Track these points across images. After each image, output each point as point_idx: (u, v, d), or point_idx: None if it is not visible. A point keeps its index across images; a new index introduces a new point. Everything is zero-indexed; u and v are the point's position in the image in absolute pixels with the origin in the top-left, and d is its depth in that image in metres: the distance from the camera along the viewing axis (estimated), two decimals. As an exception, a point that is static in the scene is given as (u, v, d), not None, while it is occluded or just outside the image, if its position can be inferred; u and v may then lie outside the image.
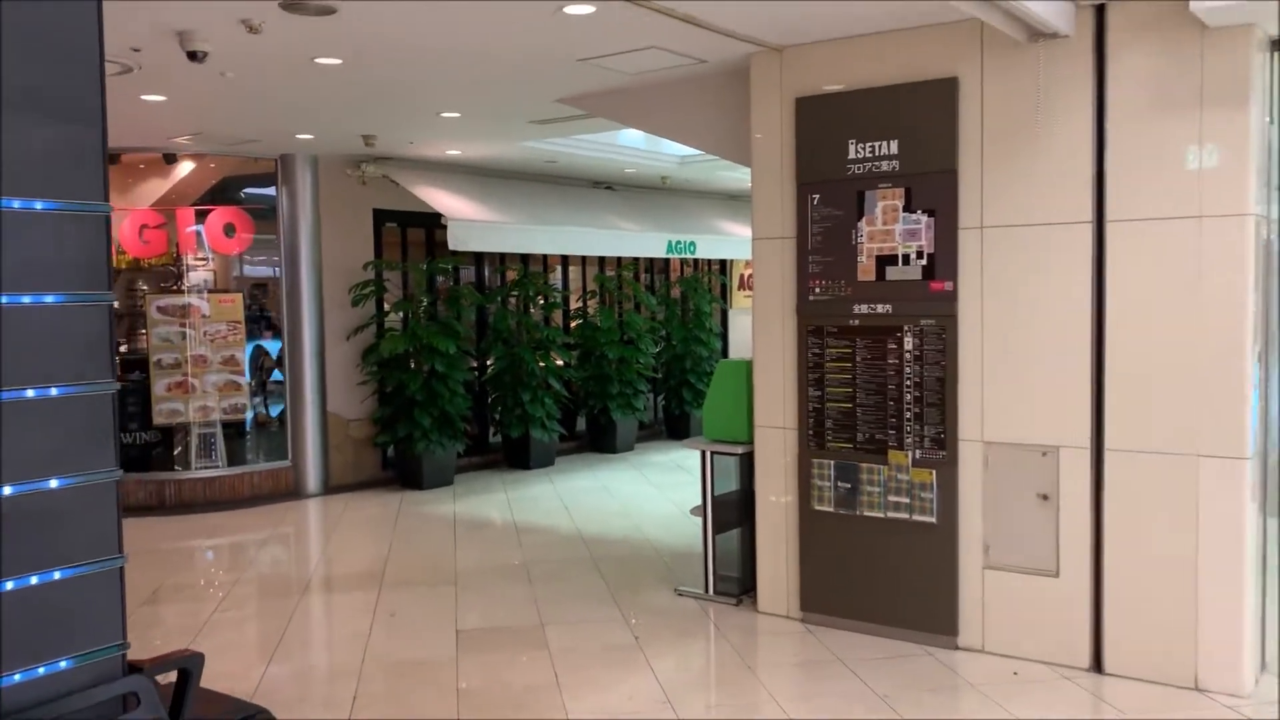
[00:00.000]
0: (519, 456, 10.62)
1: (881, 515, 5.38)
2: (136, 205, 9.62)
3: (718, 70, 6.04)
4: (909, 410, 5.31)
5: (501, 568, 6.91)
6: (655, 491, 9.47)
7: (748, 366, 5.96)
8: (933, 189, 5.20)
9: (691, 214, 12.41)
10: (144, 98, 6.60)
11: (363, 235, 9.90)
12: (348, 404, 9.79)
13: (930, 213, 5.21)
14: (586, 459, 11.23)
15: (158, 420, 9.14)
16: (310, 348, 9.48)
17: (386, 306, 9.93)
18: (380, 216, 10.05)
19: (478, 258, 10.99)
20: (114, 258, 9.55)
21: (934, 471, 5.24)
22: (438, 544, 7.58)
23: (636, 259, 12.51)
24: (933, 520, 5.24)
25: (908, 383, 5.31)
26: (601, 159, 9.93)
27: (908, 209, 5.27)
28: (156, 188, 9.89)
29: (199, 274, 9.61)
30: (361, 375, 9.71)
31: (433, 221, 9.91)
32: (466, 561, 7.07)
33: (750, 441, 5.93)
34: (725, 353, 13.98)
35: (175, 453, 9.36)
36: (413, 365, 9.60)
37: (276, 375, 9.72)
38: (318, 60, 5.70)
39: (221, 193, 10.07)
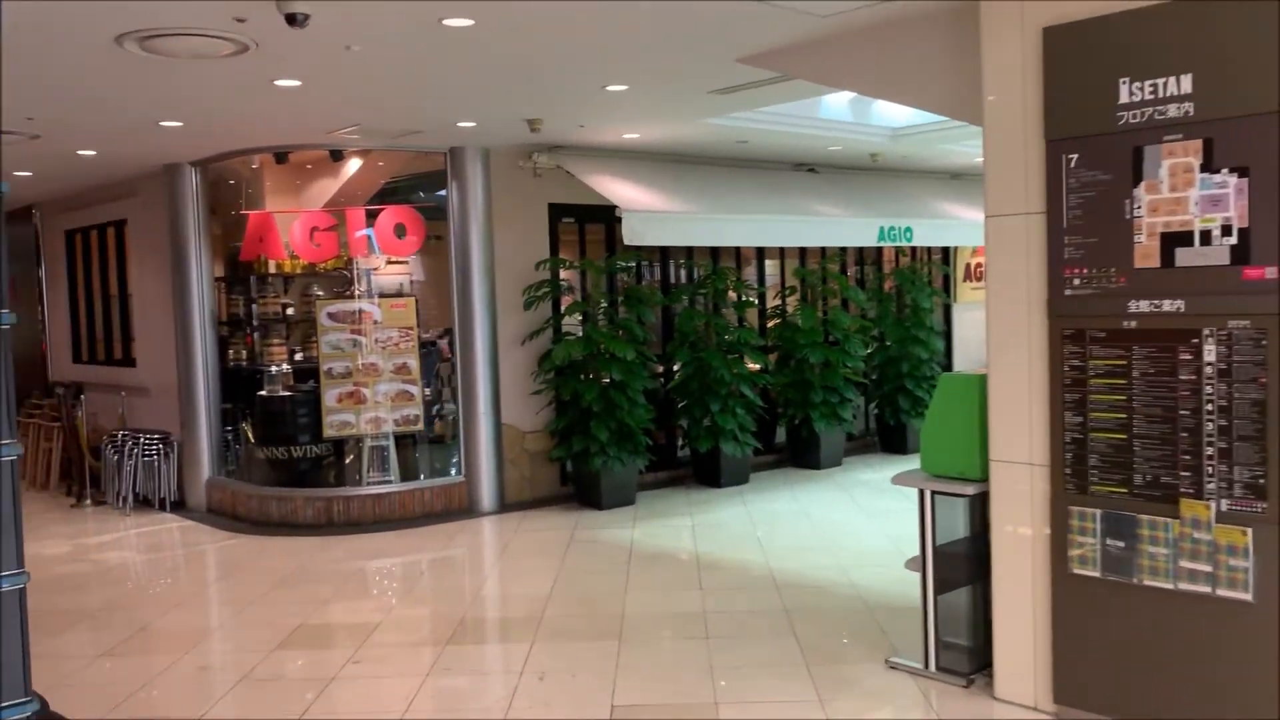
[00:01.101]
0: (708, 473, 9.54)
1: (1170, 586, 3.95)
2: (306, 207, 9.20)
3: (936, 4, 4.73)
4: (1211, 445, 3.86)
5: (675, 617, 5.85)
6: (865, 519, 8.16)
7: (980, 382, 4.63)
8: (1246, 139, 3.73)
9: (907, 196, 10.93)
10: (277, 83, 5.96)
11: (537, 232, 9.09)
12: (523, 415, 9.02)
13: (1241, 172, 3.75)
14: (785, 476, 10.02)
15: (328, 433, 8.66)
16: (483, 354, 8.76)
17: (564, 308, 9.08)
18: (556, 211, 9.22)
19: (663, 254, 9.99)
20: (286, 261, 9.23)
21: (1249, 531, 3.77)
22: (607, 581, 6.61)
23: (843, 249, 11.16)
24: (1248, 598, 3.77)
25: (1209, 407, 3.86)
26: (800, 135, 8.70)
27: (1207, 168, 3.82)
28: (325, 188, 9.45)
29: (373, 277, 9.10)
30: (537, 384, 8.91)
31: (614, 215, 8.99)
32: (637, 606, 6.05)
33: (984, 479, 4.60)
34: (949, 354, 12.39)
35: (345, 467, 8.87)
36: (587, 374, 8.70)
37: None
38: (446, 22, 4.82)
39: (392, 192, 9.54)
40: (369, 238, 8.91)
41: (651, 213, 8.24)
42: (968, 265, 12.75)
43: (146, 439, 9.27)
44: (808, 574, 6.61)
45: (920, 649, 4.89)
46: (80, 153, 8.23)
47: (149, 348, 9.96)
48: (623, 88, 6.46)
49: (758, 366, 9.81)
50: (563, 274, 9.06)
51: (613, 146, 8.75)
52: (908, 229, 10.31)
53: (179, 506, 9.28)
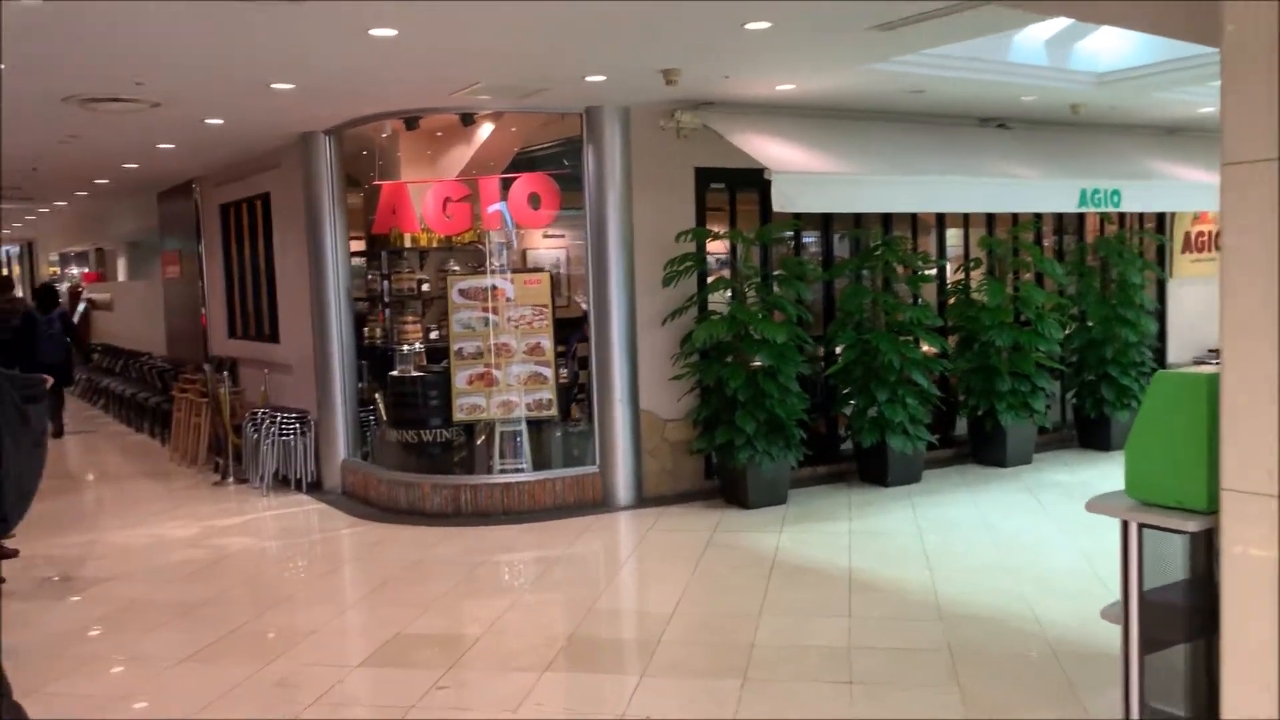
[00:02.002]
0: (874, 469, 8.49)
1: None
2: (439, 176, 8.68)
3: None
4: None
5: (815, 651, 4.94)
6: (1057, 533, 6.96)
7: (1208, 383, 3.49)
8: None
9: (1114, 154, 9.44)
10: (372, 33, 5.34)
11: (682, 200, 8.25)
12: (664, 401, 8.23)
13: None
14: (964, 474, 8.83)
15: (458, 416, 8.14)
16: (620, 335, 8.01)
17: (708, 284, 8.20)
18: (704, 177, 8.34)
19: (825, 223, 8.94)
20: (420, 234, 8.75)
21: None
22: (741, 599, 5.75)
23: (1038, 216, 9.78)
24: None
25: None
26: (988, 83, 7.48)
27: None
28: (458, 157, 8.90)
29: (528, 251, 8.53)
30: (678, 368, 8.09)
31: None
32: (770, 633, 5.17)
33: (1211, 511, 3.47)
34: (1162, 338, 10.79)
35: (475, 453, 8.33)
36: (733, 358, 7.81)
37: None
38: (532, -58, 4.04)
39: (528, 161, 8.90)
40: (502, 210, 8.30)
41: (806, 175, 7.24)
42: (1187, 234, 11.06)
43: (284, 418, 9.03)
44: (981, 602, 5.55)
45: (1120, 715, 3.81)
46: (209, 121, 7.97)
47: (291, 324, 9.75)
48: (764, 25, 5.51)
49: (934, 350, 8.65)
50: (709, 247, 8.20)
51: (765, 101, 7.79)
52: (1114, 192, 8.85)
53: (315, 488, 9.02)
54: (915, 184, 7.67)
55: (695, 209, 8.29)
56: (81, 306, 19.19)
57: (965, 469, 9.03)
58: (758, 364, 7.73)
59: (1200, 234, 11.19)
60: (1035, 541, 6.75)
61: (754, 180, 8.23)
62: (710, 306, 8.21)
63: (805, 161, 7.42)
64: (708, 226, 8.24)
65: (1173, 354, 10.90)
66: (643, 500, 8.09)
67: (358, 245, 9.32)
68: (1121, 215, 10.34)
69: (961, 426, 9.45)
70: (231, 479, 9.56)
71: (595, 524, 7.60)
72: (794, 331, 7.80)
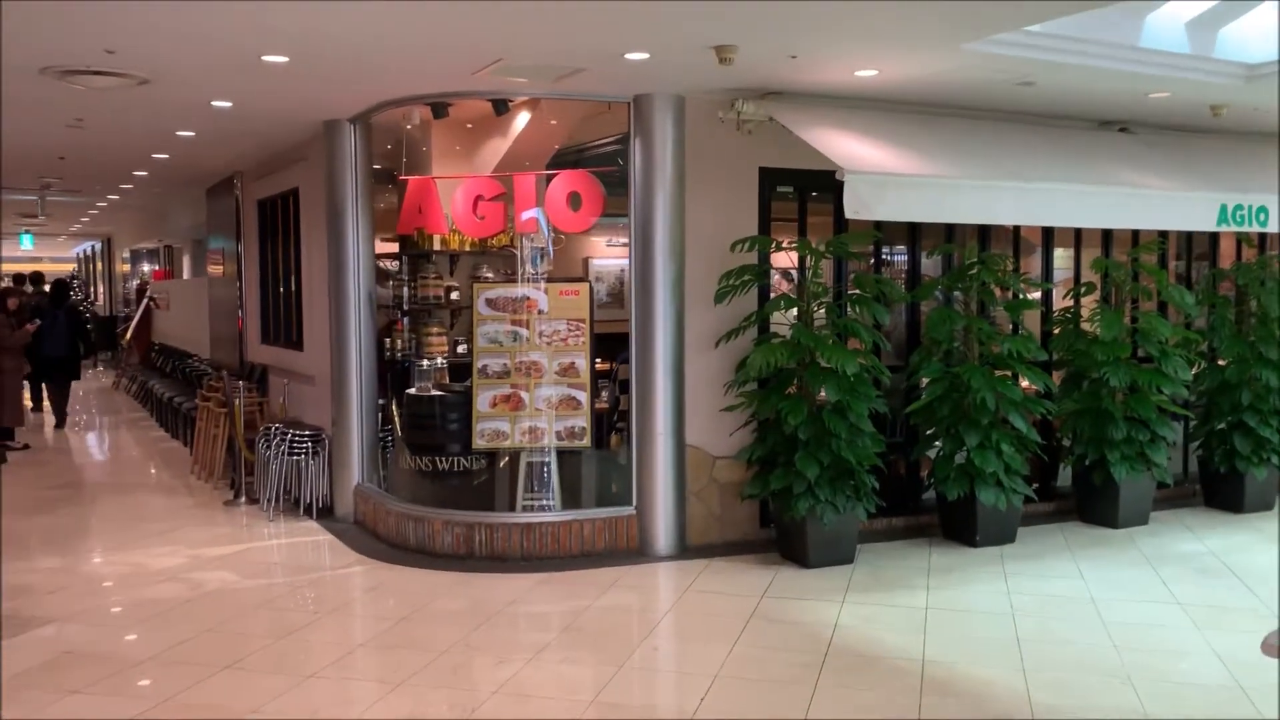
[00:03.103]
0: (959, 525, 7.24)
1: None
2: (470, 172, 7.73)
3: None
4: None
5: (869, 787, 3.78)
6: (1185, 623, 5.64)
7: None
8: None
9: (1262, 163, 8.02)
10: (348, -15, 4.39)
11: (743, 204, 7.15)
12: (714, 436, 7.12)
13: None
14: (1067, 535, 7.51)
15: (478, 443, 7.15)
16: (665, 358, 6.93)
17: (770, 303, 7.06)
18: (770, 179, 7.23)
19: (911, 238, 7.73)
20: (448, 235, 7.78)
21: None
22: (783, 696, 4.61)
23: (1163, 235, 8.41)
24: None
25: None
26: (1111, 73, 6.24)
27: None
28: (492, 151, 7.95)
29: (541, 258, 7.49)
30: (732, 397, 6.97)
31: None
32: (814, 754, 4.03)
33: None
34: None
35: (496, 486, 7.33)
36: (795, 389, 6.67)
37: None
38: None
39: (572, 158, 7.91)
40: (537, 218, 7.30)
41: (887, 176, 6.07)
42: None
43: (296, 435, 8.17)
44: (1087, 716, 4.32)
45: None
46: (215, 104, 7.15)
47: (315, 331, 8.90)
48: (834, -18, 4.41)
49: (1036, 389, 7.36)
50: (772, 259, 7.08)
51: (842, 91, 6.65)
52: (1261, 209, 7.47)
53: (326, 514, 8.13)
54: (1020, 191, 6.43)
55: (758, 215, 7.18)
56: (144, 304, 18.86)
57: (1068, 528, 7.70)
58: (824, 397, 6.57)
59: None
60: (1159, 636, 5.45)
61: (829, 184, 7.08)
62: (771, 328, 7.08)
63: (886, 161, 6.25)
64: (772, 236, 7.12)
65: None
66: (685, 550, 6.99)
67: (388, 248, 8.43)
68: (1263, 237, 8.90)
69: (1064, 477, 8.13)
70: (244, 498, 8.74)
71: (626, 577, 6.51)
72: (869, 361, 6.63)
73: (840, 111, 6.77)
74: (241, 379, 10.58)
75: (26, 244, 24.24)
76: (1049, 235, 8.20)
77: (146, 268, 22.79)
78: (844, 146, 6.22)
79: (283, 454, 8.15)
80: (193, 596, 6.17)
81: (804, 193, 7.37)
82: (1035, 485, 7.63)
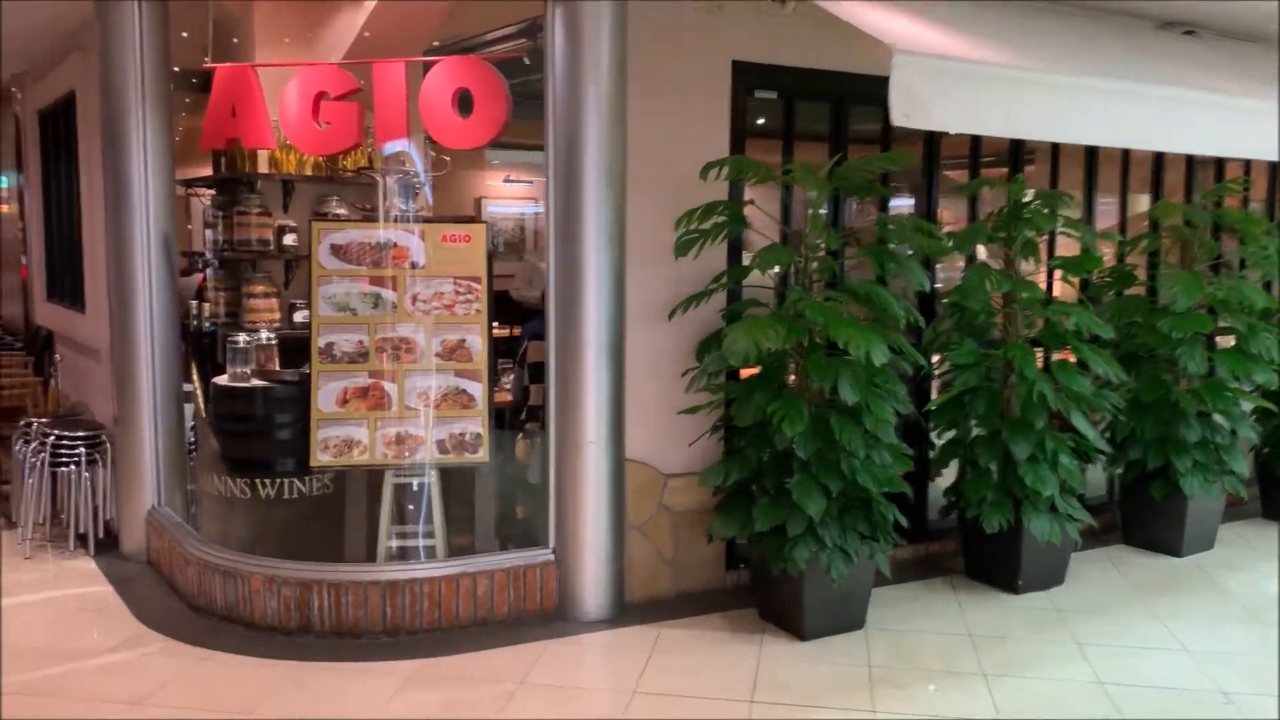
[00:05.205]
0: (991, 561, 5.31)
1: None
2: (306, 58, 5.34)
3: None
4: None
5: None
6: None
7: None
8: None
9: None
10: None
11: (708, 115, 4.99)
12: (665, 444, 5.01)
13: None
14: (1120, 566, 5.69)
15: (319, 458, 4.86)
16: (598, 333, 4.75)
17: (747, 259, 4.92)
18: (747, 78, 5.06)
19: (927, 166, 5.68)
20: (277, 153, 5.28)
21: None
22: None
23: (1247, 165, 6.56)
24: None
25: None
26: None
27: None
28: (344, 30, 5.58)
29: (411, 191, 5.21)
30: (693, 390, 4.83)
31: (862, 88, 4.89)
32: None
33: None
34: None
35: (347, 523, 5.06)
36: (787, 383, 4.61)
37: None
38: None
39: (450, 50, 5.62)
40: (408, 151, 5.06)
41: (954, 63, 3.97)
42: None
43: (61, 437, 5.73)
44: None
45: None
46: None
47: (97, 287, 6.41)
48: None
49: (1100, 373, 5.38)
50: (749, 192, 4.97)
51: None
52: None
53: (110, 547, 5.75)
54: (1132, 97, 4.40)
55: (730, 130, 5.03)
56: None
57: (1116, 556, 5.88)
58: (826, 396, 4.51)
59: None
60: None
61: (830, 88, 5.05)
62: (745, 293, 4.97)
63: (951, 46, 4.15)
64: (748, 156, 4.96)
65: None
66: (623, 611, 4.88)
67: (195, 173, 6.00)
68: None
69: (1097, 483, 6.31)
70: (1, 521, 6.27)
71: (540, 663, 4.37)
72: (897, 344, 4.58)
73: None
74: (23, 347, 8.03)
75: None
76: (1090, 173, 6.27)
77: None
78: (890, 23, 4.08)
79: (42, 463, 5.71)
80: None
81: (791, 101, 5.24)
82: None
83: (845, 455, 4.46)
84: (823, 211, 4.76)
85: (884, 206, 5.52)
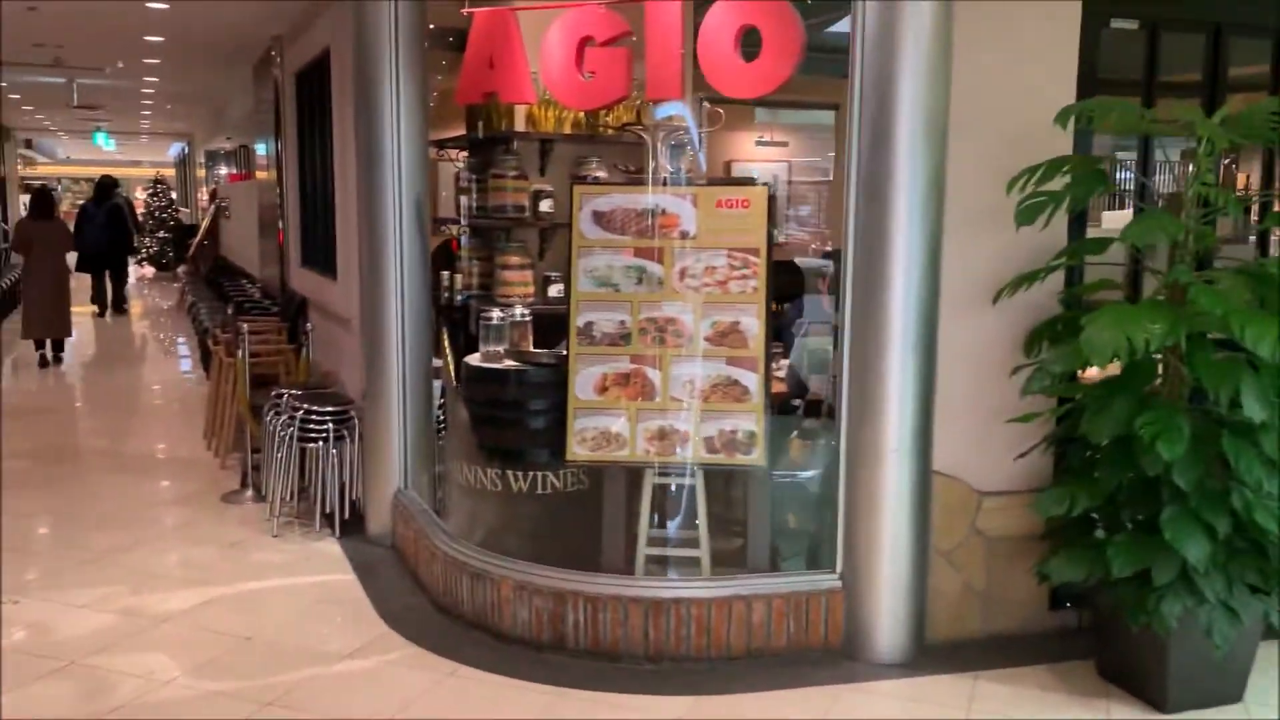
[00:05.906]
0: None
1: None
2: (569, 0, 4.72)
3: None
4: None
5: None
6: None
7: None
8: None
9: None
10: None
11: (1050, 53, 4.02)
12: (982, 456, 4.12)
13: None
14: None
15: (576, 451, 4.29)
16: (905, 320, 3.91)
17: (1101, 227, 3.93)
18: (1098, 3, 4.05)
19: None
20: (535, 109, 4.79)
21: None
22: None
23: None
24: None
25: None
26: None
27: None
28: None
29: (683, 150, 4.54)
30: (1026, 393, 3.92)
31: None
32: None
33: None
34: None
35: (604, 526, 4.46)
36: (1159, 392, 3.62)
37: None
38: None
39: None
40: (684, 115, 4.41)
41: None
42: None
43: (311, 412, 5.47)
44: None
45: None
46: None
47: (350, 254, 6.14)
48: None
49: None
50: (1099, 147, 3.97)
51: None
52: None
53: (354, 528, 5.46)
54: None
55: (1078, 69, 4.04)
56: (211, 212, 16.57)
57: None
58: (1215, 410, 3.50)
59: None
60: None
61: (1209, 9, 3.96)
62: (1096, 272, 4.00)
63: None
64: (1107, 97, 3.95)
65: None
66: (923, 650, 4.06)
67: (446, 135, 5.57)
68: None
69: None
70: (250, 491, 6.16)
71: (835, 717, 3.63)
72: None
73: None
74: (278, 313, 8.02)
75: (104, 144, 22.25)
76: None
77: (223, 170, 20.52)
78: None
79: (291, 437, 5.47)
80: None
81: (1156, 32, 4.18)
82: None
83: (1237, 486, 3.45)
84: (1209, 172, 3.71)
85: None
